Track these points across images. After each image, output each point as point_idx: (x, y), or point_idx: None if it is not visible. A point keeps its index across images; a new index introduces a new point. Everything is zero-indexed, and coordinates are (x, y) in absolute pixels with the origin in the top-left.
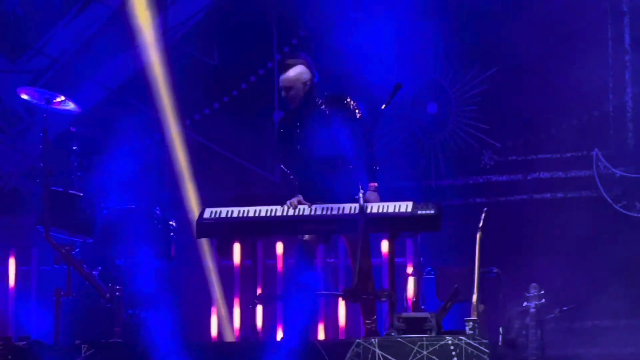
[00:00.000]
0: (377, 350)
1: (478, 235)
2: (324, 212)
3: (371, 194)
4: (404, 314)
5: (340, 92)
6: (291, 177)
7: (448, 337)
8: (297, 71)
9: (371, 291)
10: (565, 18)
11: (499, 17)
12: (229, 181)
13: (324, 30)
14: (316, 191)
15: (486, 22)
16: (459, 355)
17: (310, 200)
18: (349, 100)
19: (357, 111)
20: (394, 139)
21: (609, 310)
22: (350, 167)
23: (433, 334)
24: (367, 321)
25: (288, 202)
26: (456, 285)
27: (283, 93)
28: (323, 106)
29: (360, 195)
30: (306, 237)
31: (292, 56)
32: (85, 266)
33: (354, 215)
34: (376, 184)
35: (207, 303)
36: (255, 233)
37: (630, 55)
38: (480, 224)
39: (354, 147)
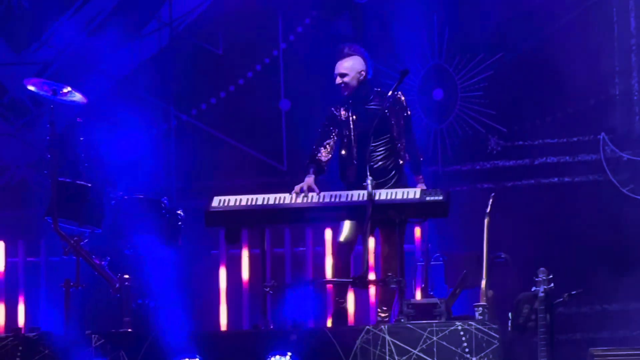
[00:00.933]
0: (386, 336)
1: (486, 221)
2: (333, 200)
3: (421, 186)
4: (413, 300)
5: (401, 93)
6: (318, 157)
7: (458, 323)
8: (354, 61)
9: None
10: (571, 2)
11: (504, 2)
12: (237, 170)
13: (329, 18)
14: (358, 177)
15: (491, 7)
16: (468, 341)
17: (351, 187)
18: (401, 95)
19: (407, 108)
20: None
21: (618, 294)
22: (400, 162)
23: (443, 320)
24: (383, 308)
25: (296, 187)
26: (465, 271)
27: (338, 79)
28: (376, 100)
29: (369, 182)
30: (342, 239)
31: (351, 47)
32: (94, 257)
33: (363, 202)
34: (422, 177)
35: (216, 292)
36: (264, 221)
37: (635, 39)
38: (488, 210)
39: (403, 141)
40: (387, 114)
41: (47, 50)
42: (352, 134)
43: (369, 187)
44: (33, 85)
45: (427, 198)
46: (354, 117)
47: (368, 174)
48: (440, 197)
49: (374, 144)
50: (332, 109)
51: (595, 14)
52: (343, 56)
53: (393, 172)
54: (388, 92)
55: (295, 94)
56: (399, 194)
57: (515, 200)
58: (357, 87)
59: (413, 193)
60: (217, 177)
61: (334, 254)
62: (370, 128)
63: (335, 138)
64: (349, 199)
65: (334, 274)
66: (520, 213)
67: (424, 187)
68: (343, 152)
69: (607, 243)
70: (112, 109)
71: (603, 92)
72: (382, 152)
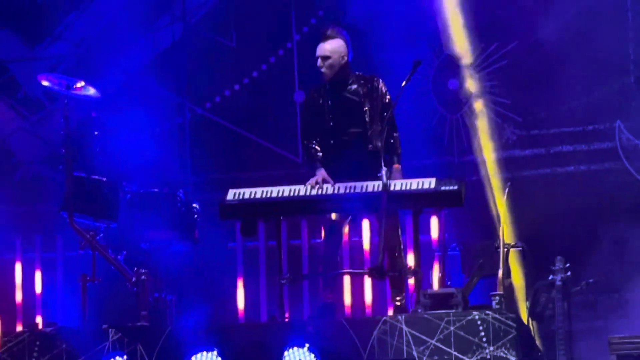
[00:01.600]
0: (404, 327)
1: (503, 210)
2: (347, 191)
3: (396, 175)
4: (430, 291)
5: (372, 74)
6: (317, 152)
7: (475, 312)
8: (336, 44)
9: (400, 268)
10: None
11: None
12: (251, 162)
13: (342, 9)
14: (341, 166)
15: None
16: (486, 330)
17: (334, 175)
18: (380, 82)
19: (386, 94)
20: (416, 116)
21: (636, 282)
22: (370, 147)
23: (460, 310)
24: (396, 298)
25: (311, 180)
26: (481, 261)
27: (319, 62)
28: (354, 85)
29: (384, 172)
30: (334, 216)
31: (333, 29)
32: (110, 251)
33: (377, 193)
34: (400, 166)
35: (233, 285)
36: (279, 213)
37: None
38: (504, 199)
39: (378, 128)
40: (362, 100)
41: (60, 45)
42: (328, 121)
43: (384, 177)
44: (47, 80)
45: (442, 188)
46: (330, 102)
47: (383, 164)
48: (455, 187)
49: (349, 132)
50: (307, 96)
51: (609, 2)
52: (325, 38)
53: (368, 162)
54: (367, 76)
55: (309, 86)
56: (413, 184)
57: (531, 189)
58: (338, 72)
59: (428, 183)
60: (232, 170)
61: (324, 240)
62: (346, 115)
63: (317, 125)
64: (363, 189)
65: (324, 262)
66: (536, 202)
67: (401, 178)
68: (322, 138)
69: (624, 231)
70: (127, 103)
71: (618, 80)
72: (358, 141)
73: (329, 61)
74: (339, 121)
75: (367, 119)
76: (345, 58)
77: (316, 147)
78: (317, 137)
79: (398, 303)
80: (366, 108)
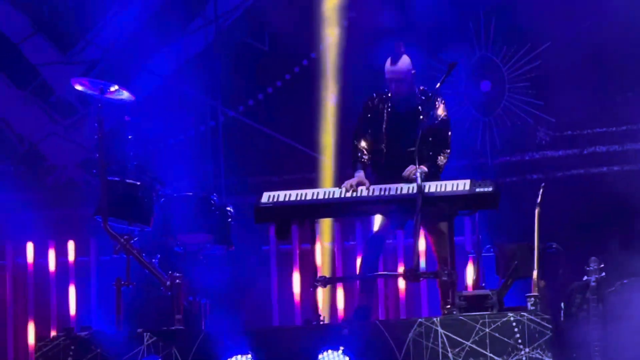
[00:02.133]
0: (439, 329)
1: (537, 211)
2: (382, 193)
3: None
4: (465, 292)
5: (435, 90)
6: (362, 155)
7: (510, 314)
8: (405, 62)
9: (452, 279)
10: None
11: None
12: (285, 165)
13: (373, 10)
14: (391, 173)
15: None
16: (521, 332)
17: (384, 180)
18: (440, 102)
19: (443, 115)
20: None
21: None
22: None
23: (495, 311)
24: (444, 309)
25: (346, 183)
26: (516, 262)
27: (393, 85)
28: (416, 100)
29: (418, 174)
30: (376, 228)
31: (403, 45)
32: (144, 255)
33: (412, 195)
34: (426, 170)
35: (267, 288)
36: (314, 215)
37: None
38: (539, 200)
39: (430, 143)
40: (419, 117)
41: (93, 49)
42: (383, 129)
43: (419, 179)
44: (80, 84)
45: (477, 189)
46: (389, 111)
47: (417, 165)
48: (490, 189)
49: (401, 142)
50: (368, 99)
51: None
52: (400, 55)
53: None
54: (430, 94)
55: (343, 89)
56: (448, 185)
57: (565, 190)
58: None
59: (463, 185)
60: (265, 173)
61: (364, 248)
62: (401, 127)
63: (370, 134)
64: (398, 192)
65: (363, 269)
66: (571, 203)
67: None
68: (374, 143)
69: None
70: (160, 106)
71: None
72: (409, 154)
73: (404, 85)
74: (394, 131)
75: (420, 132)
76: (413, 71)
77: (363, 149)
78: (369, 140)
79: (447, 311)
80: (424, 122)
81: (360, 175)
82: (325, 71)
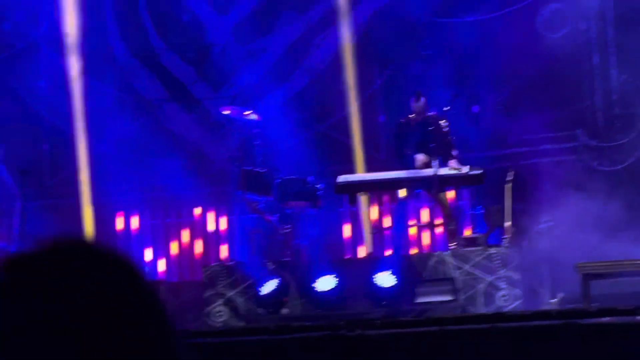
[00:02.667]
0: (449, 258)
1: (506, 186)
2: (414, 175)
3: (454, 162)
4: (465, 236)
5: (440, 115)
6: (402, 153)
7: (492, 249)
8: (424, 102)
9: (449, 222)
10: None
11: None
12: (351, 159)
13: (410, 59)
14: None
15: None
16: (500, 260)
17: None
18: (443, 121)
19: (447, 128)
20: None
21: None
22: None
23: (483, 247)
24: (450, 245)
25: (419, 161)
26: (495, 217)
27: (415, 116)
28: (429, 121)
29: (436, 163)
30: (401, 197)
31: (418, 95)
32: (268, 214)
33: (432, 176)
34: (455, 159)
35: (341, 234)
36: (371, 189)
37: None
38: (508, 179)
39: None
40: (432, 128)
41: (234, 88)
42: (414, 140)
43: (436, 166)
44: (227, 110)
45: (472, 172)
46: (414, 124)
47: (435, 158)
48: (480, 171)
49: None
50: (401, 122)
51: None
52: (417, 100)
53: (436, 159)
54: (437, 115)
55: (388, 112)
56: (453, 170)
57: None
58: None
59: (464, 169)
60: (341, 163)
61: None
62: (423, 139)
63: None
64: (424, 174)
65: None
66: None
67: (456, 165)
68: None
69: None
70: (275, 124)
71: None
72: (430, 147)
73: (422, 114)
74: (420, 141)
75: (434, 141)
76: (427, 108)
77: (402, 151)
78: (406, 145)
79: (452, 245)
80: (433, 135)
81: (423, 156)
82: (378, 101)
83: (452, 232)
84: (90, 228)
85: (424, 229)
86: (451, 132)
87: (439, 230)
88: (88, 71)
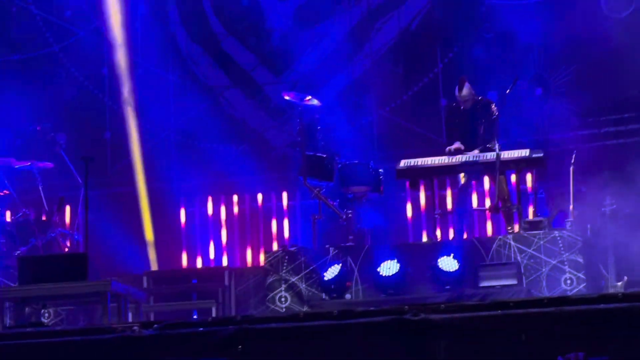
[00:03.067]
0: (512, 242)
1: (571, 169)
2: (474, 159)
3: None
4: (527, 219)
5: (489, 99)
6: (453, 136)
7: (556, 232)
8: (468, 89)
9: (508, 205)
10: None
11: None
12: (414, 143)
13: (469, 47)
14: (470, 145)
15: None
16: (563, 243)
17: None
18: (492, 104)
19: (495, 112)
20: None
21: None
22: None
23: (546, 230)
24: (508, 228)
25: (448, 148)
26: (558, 200)
27: (462, 104)
28: (477, 106)
29: (497, 147)
30: (462, 182)
31: (463, 80)
32: (329, 199)
33: (493, 160)
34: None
35: (404, 218)
36: (432, 173)
37: None
38: (572, 161)
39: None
40: (480, 115)
41: (294, 74)
42: (463, 126)
43: (497, 149)
44: (288, 95)
45: (533, 155)
46: (462, 109)
47: (496, 142)
48: (541, 154)
49: (474, 128)
50: (451, 107)
51: None
52: (461, 86)
53: (484, 143)
54: (485, 100)
55: (449, 96)
56: (515, 153)
57: (589, 156)
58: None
59: (524, 152)
60: (401, 148)
61: (458, 193)
62: (472, 125)
63: (453, 125)
64: (482, 158)
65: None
66: (593, 164)
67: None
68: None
69: None
70: (335, 109)
71: None
72: (479, 132)
73: (468, 102)
74: (469, 126)
75: (481, 126)
76: (473, 93)
77: (454, 133)
78: (455, 130)
79: (509, 229)
80: (482, 120)
81: (458, 143)
82: (438, 85)
83: (513, 216)
84: (147, 215)
85: (486, 213)
86: (499, 118)
87: (501, 214)
88: (149, 58)
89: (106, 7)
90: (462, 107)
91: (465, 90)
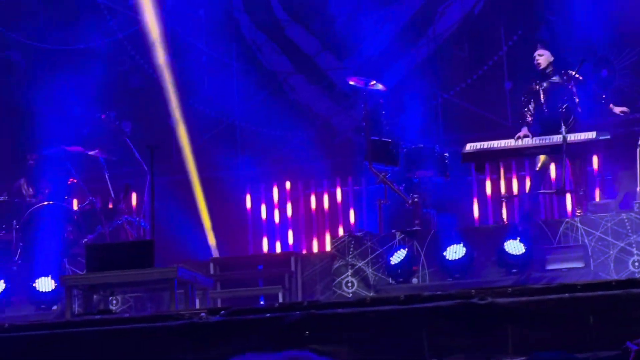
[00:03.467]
0: (579, 225)
1: (638, 150)
2: (541, 142)
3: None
4: (594, 202)
5: (577, 71)
6: (526, 117)
7: (623, 214)
8: (547, 55)
9: (577, 188)
10: None
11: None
12: (478, 127)
13: (533, 31)
14: (549, 126)
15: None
16: (630, 225)
17: (542, 131)
18: (569, 71)
19: (575, 74)
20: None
21: None
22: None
23: (613, 213)
24: (577, 211)
25: (517, 135)
26: (624, 182)
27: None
28: (557, 76)
29: (563, 129)
30: (539, 165)
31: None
32: (395, 184)
33: (559, 143)
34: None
35: (470, 203)
36: (498, 157)
37: None
38: (639, 142)
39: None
40: (566, 85)
41: (358, 58)
42: (542, 99)
43: (564, 132)
44: (352, 80)
45: (600, 137)
46: (542, 88)
47: (562, 124)
48: (608, 137)
49: (558, 104)
50: (529, 85)
51: None
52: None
53: (569, 120)
54: (567, 71)
55: (514, 78)
56: (581, 135)
57: None
58: (546, 68)
59: (591, 134)
60: (466, 132)
61: (534, 175)
62: (552, 95)
63: (532, 103)
64: (551, 141)
65: (532, 189)
66: None
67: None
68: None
69: None
70: (400, 93)
71: None
72: (564, 108)
73: (541, 60)
74: (553, 99)
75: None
76: (551, 60)
77: (527, 115)
78: (531, 109)
79: (578, 213)
80: (567, 91)
81: (524, 130)
82: (503, 68)
83: (582, 199)
84: (203, 203)
85: (552, 196)
86: (579, 97)
87: (569, 196)
88: (213, 45)
89: None
90: (538, 86)
91: (545, 54)
